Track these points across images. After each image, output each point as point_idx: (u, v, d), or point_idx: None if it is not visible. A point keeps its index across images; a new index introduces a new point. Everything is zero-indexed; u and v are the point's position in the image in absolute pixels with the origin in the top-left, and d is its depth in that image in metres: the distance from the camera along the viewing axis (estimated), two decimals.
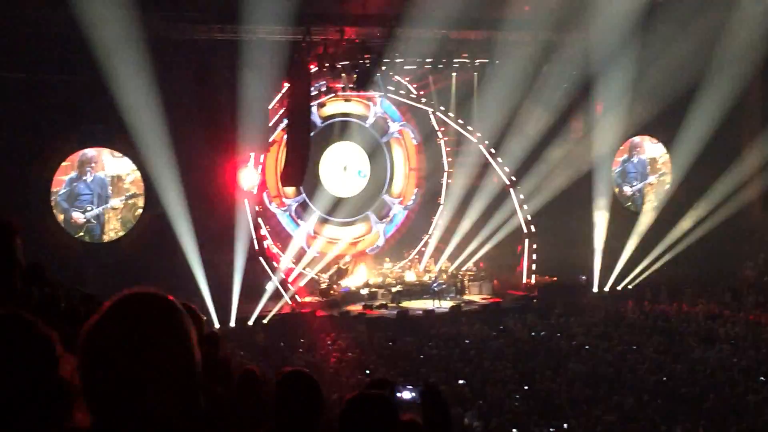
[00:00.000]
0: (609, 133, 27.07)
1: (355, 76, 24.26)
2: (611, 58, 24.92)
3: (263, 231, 24.40)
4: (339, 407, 3.17)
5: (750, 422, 13.53)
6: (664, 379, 15.96)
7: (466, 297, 25.51)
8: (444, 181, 28.45)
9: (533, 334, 20.55)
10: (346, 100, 26.87)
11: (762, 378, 15.72)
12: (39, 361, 1.71)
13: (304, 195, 26.53)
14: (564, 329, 20.87)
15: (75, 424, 1.68)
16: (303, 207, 26.63)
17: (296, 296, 23.87)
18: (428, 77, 26.74)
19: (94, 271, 20.04)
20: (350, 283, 25.59)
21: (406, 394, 3.04)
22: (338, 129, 27.30)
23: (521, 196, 26.71)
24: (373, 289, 25.29)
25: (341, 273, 25.57)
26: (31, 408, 1.67)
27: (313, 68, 23.63)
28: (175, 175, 21.77)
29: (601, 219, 27.32)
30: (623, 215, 28.53)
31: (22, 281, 2.69)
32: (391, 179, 28.38)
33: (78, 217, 22.65)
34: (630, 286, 26.14)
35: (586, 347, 18.67)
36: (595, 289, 26.46)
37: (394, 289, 25.29)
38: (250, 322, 21.86)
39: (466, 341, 19.66)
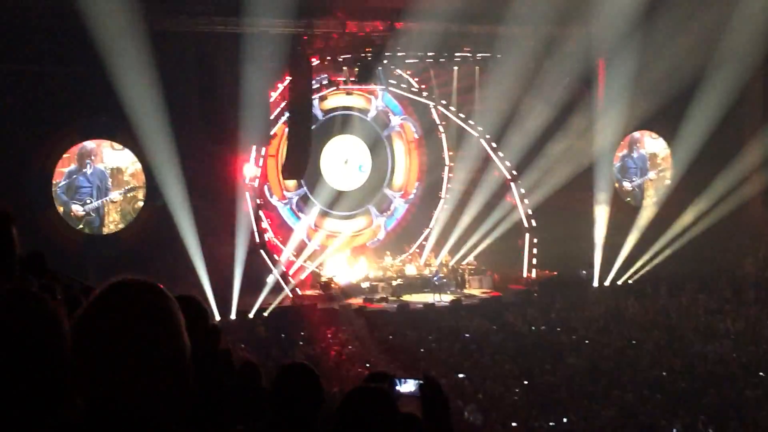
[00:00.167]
0: (610, 128, 27.02)
1: (356, 69, 24.25)
2: (613, 53, 24.87)
3: (264, 224, 24.41)
4: (339, 400, 3.18)
5: (749, 417, 13.55)
6: (664, 374, 15.98)
7: (466, 291, 25.52)
8: (445, 175, 28.44)
9: (533, 328, 20.58)
10: (348, 94, 26.86)
11: (762, 373, 15.73)
12: (47, 335, 1.72)
13: (305, 188, 26.53)
14: (564, 324, 20.89)
15: (71, 410, 1.69)
16: (304, 200, 26.64)
17: (297, 289, 23.89)
18: (429, 71, 26.71)
19: (95, 263, 20.03)
20: (350, 277, 25.60)
21: (406, 388, 3.04)
22: (339, 122, 27.28)
23: (522, 191, 26.71)
24: (374, 283, 25.31)
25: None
26: (38, 384, 1.68)
27: (315, 61, 23.63)
28: (176, 167, 21.76)
29: (601, 214, 27.30)
30: (623, 210, 28.51)
31: (20, 269, 2.70)
32: (392, 173, 28.37)
33: (77, 209, 22.66)
34: (630, 282, 26.14)
35: (586, 342, 18.70)
36: (596, 284, 26.46)
37: (394, 283, 25.30)
38: (251, 315, 21.88)
39: (467, 335, 19.69)
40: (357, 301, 24.00)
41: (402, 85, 26.87)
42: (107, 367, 1.61)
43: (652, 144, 29.82)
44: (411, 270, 26.60)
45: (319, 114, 26.39)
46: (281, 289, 23.32)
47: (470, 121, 26.98)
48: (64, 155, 22.44)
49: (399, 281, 25.47)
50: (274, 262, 23.69)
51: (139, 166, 23.13)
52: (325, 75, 25.35)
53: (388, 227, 28.18)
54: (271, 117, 24.19)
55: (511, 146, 26.38)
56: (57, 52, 20.54)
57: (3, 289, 1.77)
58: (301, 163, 24.15)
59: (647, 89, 25.30)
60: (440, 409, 2.98)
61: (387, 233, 28.12)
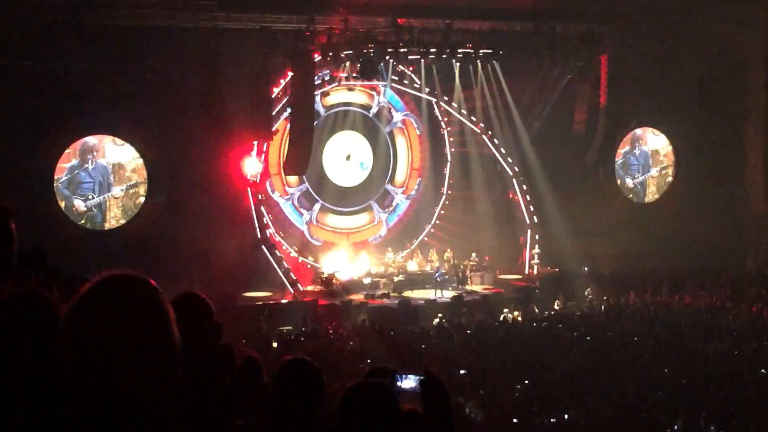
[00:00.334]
0: (612, 124, 26.98)
1: (359, 65, 24.20)
2: (616, 49, 24.83)
3: (266, 220, 24.41)
4: (340, 396, 3.18)
5: (751, 414, 13.54)
6: (665, 370, 15.95)
7: (468, 287, 25.51)
8: (447, 171, 28.40)
9: (534, 324, 20.57)
10: (350, 90, 26.84)
11: (763, 370, 15.71)
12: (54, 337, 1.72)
13: (306, 184, 26.53)
14: (565, 320, 20.89)
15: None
16: (306, 196, 26.63)
17: (298, 285, 23.89)
18: (432, 67, 26.66)
19: (96, 259, 20.04)
20: (351, 273, 25.59)
21: (407, 383, 3.04)
22: (341, 118, 27.26)
23: (524, 187, 26.68)
24: (376, 279, 25.30)
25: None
26: (47, 386, 1.69)
27: (317, 57, 23.57)
28: (177, 163, 21.76)
29: (603, 210, 27.25)
30: (625, 207, 28.48)
31: (19, 263, 2.71)
32: (394, 169, 28.35)
33: (79, 205, 22.67)
34: (631, 278, 26.08)
35: (587, 338, 18.68)
36: (597, 281, 26.39)
37: (396, 279, 25.29)
38: (253, 311, 21.86)
39: (468, 331, 19.68)
40: (359, 297, 23.99)
41: (404, 81, 26.83)
42: (96, 360, 1.62)
43: (655, 140, 29.77)
44: (413, 266, 26.61)
45: (321, 110, 26.37)
46: (283, 284, 23.33)
47: (473, 117, 26.95)
48: (66, 150, 22.45)
49: (401, 277, 25.46)
50: (276, 258, 23.69)
51: (140, 161, 23.13)
52: (328, 71, 25.33)
53: (390, 223, 28.17)
54: (273, 113, 24.16)
55: (513, 142, 26.39)
56: (59, 47, 20.53)
57: (15, 292, 1.78)
58: (303, 159, 24.13)
59: (650, 86, 25.29)
60: (441, 405, 2.98)
61: (389, 229, 28.11)
